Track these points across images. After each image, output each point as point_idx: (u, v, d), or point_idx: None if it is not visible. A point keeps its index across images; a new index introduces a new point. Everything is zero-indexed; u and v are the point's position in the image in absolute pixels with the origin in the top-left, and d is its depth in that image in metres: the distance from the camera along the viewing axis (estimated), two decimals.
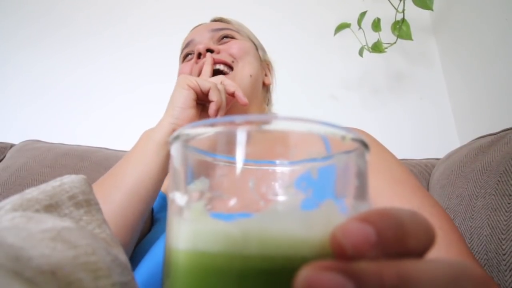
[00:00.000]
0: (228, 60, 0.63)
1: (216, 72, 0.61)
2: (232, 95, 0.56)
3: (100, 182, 0.47)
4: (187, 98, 0.51)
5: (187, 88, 0.51)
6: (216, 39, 0.68)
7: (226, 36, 0.68)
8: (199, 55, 0.63)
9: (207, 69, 0.58)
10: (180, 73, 0.67)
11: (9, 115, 1.27)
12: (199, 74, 0.61)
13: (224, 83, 0.55)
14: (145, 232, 0.56)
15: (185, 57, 0.69)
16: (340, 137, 0.16)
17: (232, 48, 0.65)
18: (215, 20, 0.76)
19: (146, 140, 0.50)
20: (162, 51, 1.31)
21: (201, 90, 0.51)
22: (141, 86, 1.28)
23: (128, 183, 0.45)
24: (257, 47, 0.74)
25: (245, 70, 0.64)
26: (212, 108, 0.50)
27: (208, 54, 0.61)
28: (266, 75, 0.76)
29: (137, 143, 0.51)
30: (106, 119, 1.24)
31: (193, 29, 0.75)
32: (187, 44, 0.69)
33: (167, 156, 0.47)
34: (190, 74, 0.64)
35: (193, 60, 0.64)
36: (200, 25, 0.75)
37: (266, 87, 0.76)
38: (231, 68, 0.63)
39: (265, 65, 0.76)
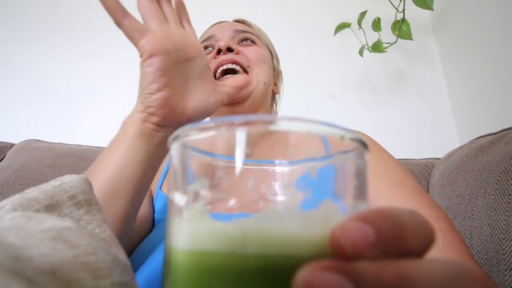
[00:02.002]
0: (245, 63, 0.63)
1: (230, 71, 0.61)
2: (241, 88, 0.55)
3: None
4: (149, 78, 0.43)
5: (147, 57, 0.43)
6: (237, 40, 0.68)
7: (246, 39, 0.68)
8: (219, 51, 0.62)
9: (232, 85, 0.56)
10: None
11: (10, 115, 1.27)
12: (215, 70, 0.61)
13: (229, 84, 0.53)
14: (146, 234, 0.56)
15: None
16: (339, 137, 0.16)
17: (251, 53, 0.65)
18: (237, 21, 0.76)
19: (120, 131, 0.45)
20: None
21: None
22: None
23: (99, 181, 0.40)
24: (272, 56, 0.74)
25: (260, 77, 0.64)
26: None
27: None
28: (275, 84, 0.76)
29: (116, 134, 0.46)
30: (106, 119, 1.24)
31: (214, 24, 0.75)
32: (207, 38, 0.69)
33: (144, 148, 0.43)
34: None
35: (211, 55, 0.64)
36: (222, 22, 0.75)
37: (273, 96, 0.78)
38: (245, 72, 0.63)
39: (276, 75, 0.76)
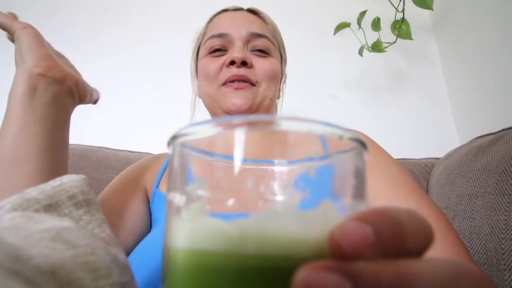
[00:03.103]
0: (254, 79, 0.62)
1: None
2: None
3: None
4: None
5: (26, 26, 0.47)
6: (251, 45, 0.65)
7: (262, 48, 0.65)
8: (233, 62, 0.61)
9: None
10: (206, 68, 0.64)
11: None
12: (225, 82, 0.61)
13: None
14: (144, 232, 0.56)
15: (212, 49, 0.66)
16: (338, 137, 0.16)
17: (263, 68, 0.63)
18: (251, 11, 0.72)
19: (10, 101, 0.44)
20: (163, 55, 1.31)
21: None
22: (141, 88, 1.28)
23: (3, 148, 0.40)
24: (282, 59, 0.72)
25: (267, 92, 0.63)
26: None
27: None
28: (279, 89, 0.75)
29: (7, 105, 0.45)
30: (106, 119, 1.24)
31: (225, 11, 0.71)
32: (220, 35, 0.65)
33: (39, 104, 0.43)
34: (219, 73, 0.63)
35: (224, 61, 0.63)
36: (236, 11, 0.71)
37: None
38: (253, 85, 0.62)
39: (280, 78, 0.74)
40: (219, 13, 0.71)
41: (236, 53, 0.61)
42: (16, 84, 0.44)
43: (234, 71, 0.61)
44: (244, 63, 0.61)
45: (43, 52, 0.45)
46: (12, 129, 0.41)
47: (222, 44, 0.65)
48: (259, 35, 0.66)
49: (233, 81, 0.61)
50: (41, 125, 0.42)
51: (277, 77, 0.67)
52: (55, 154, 0.43)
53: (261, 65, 0.64)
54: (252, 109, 0.61)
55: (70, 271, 0.18)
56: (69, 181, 0.26)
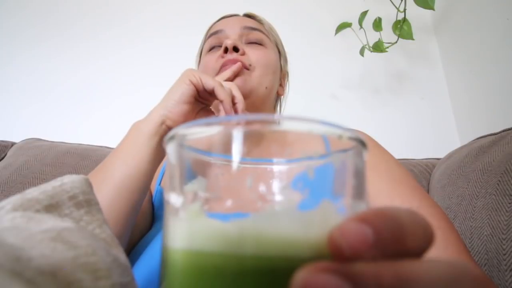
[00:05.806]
0: (247, 62, 0.62)
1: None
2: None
3: (89, 176, 0.46)
4: (184, 93, 0.48)
5: (188, 83, 0.49)
6: (245, 38, 0.67)
7: (255, 40, 0.67)
8: (226, 50, 0.62)
9: (227, 74, 0.57)
10: (205, 65, 0.66)
11: (11, 114, 1.27)
12: (220, 68, 0.61)
13: (233, 92, 0.52)
14: (146, 229, 0.56)
15: (210, 47, 0.68)
16: (337, 136, 0.16)
17: (257, 56, 0.64)
18: (247, 15, 0.74)
19: (134, 132, 0.49)
20: (163, 52, 1.31)
21: (204, 88, 0.49)
22: (142, 87, 1.28)
23: (116, 177, 0.44)
24: (281, 56, 0.73)
25: (262, 80, 0.63)
26: (225, 106, 0.48)
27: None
28: (281, 85, 0.75)
29: (127, 134, 0.50)
30: (107, 118, 1.24)
31: (223, 17, 0.73)
32: (215, 32, 0.68)
33: (157, 148, 0.47)
34: (215, 65, 0.63)
35: (219, 53, 0.64)
36: (232, 16, 0.73)
37: (278, 97, 0.77)
38: (246, 68, 0.62)
39: (282, 76, 0.75)
40: (217, 20, 0.74)
41: (228, 40, 0.62)
42: (148, 120, 0.49)
43: (228, 56, 0.61)
44: (235, 50, 0.62)
45: (186, 109, 0.49)
46: (132, 162, 0.46)
47: (219, 41, 0.67)
48: (253, 28, 0.68)
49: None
50: (153, 164, 0.47)
51: (273, 67, 0.67)
52: (147, 190, 0.48)
53: (253, 52, 0.64)
54: (244, 92, 0.59)
55: (71, 272, 0.18)
56: (70, 181, 0.26)
